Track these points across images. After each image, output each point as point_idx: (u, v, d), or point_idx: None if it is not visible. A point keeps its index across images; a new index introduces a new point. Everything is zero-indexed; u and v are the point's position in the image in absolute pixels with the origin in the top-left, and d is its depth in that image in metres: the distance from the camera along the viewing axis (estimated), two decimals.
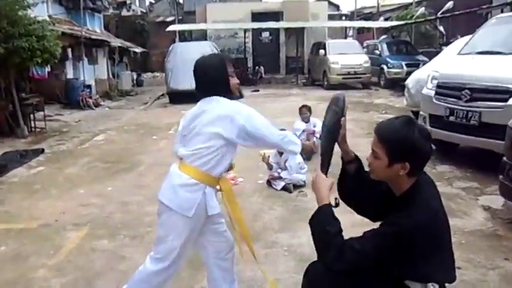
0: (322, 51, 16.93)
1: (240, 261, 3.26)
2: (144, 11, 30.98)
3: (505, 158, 3.59)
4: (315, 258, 1.90)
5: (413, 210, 1.68)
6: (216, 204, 2.28)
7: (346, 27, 25.53)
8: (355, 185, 1.99)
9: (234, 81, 2.36)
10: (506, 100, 4.67)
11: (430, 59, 10.71)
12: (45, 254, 3.57)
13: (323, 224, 1.85)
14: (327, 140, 2.03)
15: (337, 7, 33.34)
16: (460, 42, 7.98)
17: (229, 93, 2.32)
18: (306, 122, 6.26)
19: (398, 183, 1.78)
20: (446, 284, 1.84)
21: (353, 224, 2.38)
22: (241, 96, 2.46)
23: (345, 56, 16.20)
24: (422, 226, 1.64)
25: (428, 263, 1.71)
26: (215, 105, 2.26)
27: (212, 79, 2.30)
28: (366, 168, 1.93)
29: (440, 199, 1.84)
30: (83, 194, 5.13)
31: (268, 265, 3.20)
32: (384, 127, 1.78)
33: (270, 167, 5.05)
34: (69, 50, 13.24)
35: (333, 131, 1.99)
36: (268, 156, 5.18)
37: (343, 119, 1.96)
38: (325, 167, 2.00)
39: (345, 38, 24.32)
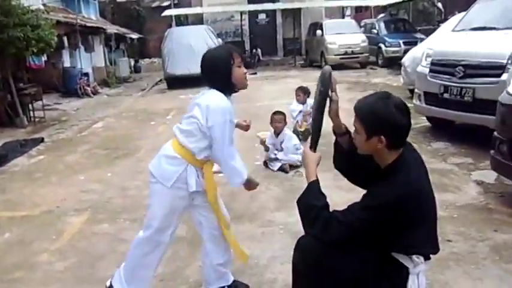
0: (319, 32, 16.83)
1: (237, 240, 3.37)
2: None
3: (496, 133, 3.65)
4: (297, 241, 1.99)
5: (393, 183, 1.75)
6: (194, 182, 2.37)
7: (343, 7, 25.25)
8: (348, 157, 2.06)
9: (240, 71, 2.39)
10: (499, 75, 4.69)
11: (428, 36, 10.67)
12: (48, 239, 3.66)
13: (310, 198, 1.94)
14: (314, 118, 2.10)
15: None
16: (456, 19, 7.95)
17: (228, 86, 2.38)
18: (303, 104, 6.29)
19: (381, 157, 1.84)
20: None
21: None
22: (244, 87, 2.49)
23: (342, 36, 16.12)
24: (401, 198, 1.70)
25: (411, 235, 1.77)
26: (206, 96, 2.37)
27: (210, 72, 2.38)
28: None
29: (426, 174, 1.88)
30: (83, 180, 5.22)
31: (265, 243, 3.30)
32: (361, 103, 1.85)
33: (267, 149, 5.11)
34: (65, 39, 13.17)
35: (319, 109, 2.04)
36: (265, 138, 5.24)
37: (333, 94, 2.01)
38: (313, 143, 2.07)
39: (343, 17, 24.09)
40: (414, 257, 1.80)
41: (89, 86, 13.60)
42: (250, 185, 2.54)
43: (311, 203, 1.92)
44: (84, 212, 4.18)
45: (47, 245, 3.56)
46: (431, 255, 1.91)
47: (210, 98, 2.33)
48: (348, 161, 2.09)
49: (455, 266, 2.77)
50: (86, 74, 14.11)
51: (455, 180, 4.27)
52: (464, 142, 5.38)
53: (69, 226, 3.92)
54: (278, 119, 5.09)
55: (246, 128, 2.93)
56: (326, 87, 2.01)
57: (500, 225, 3.29)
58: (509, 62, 4.61)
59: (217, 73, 2.35)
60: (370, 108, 1.79)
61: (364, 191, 1.89)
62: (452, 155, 5.07)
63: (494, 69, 4.78)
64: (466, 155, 5.02)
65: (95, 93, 13.75)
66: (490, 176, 4.23)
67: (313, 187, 1.96)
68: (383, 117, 1.75)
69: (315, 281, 1.93)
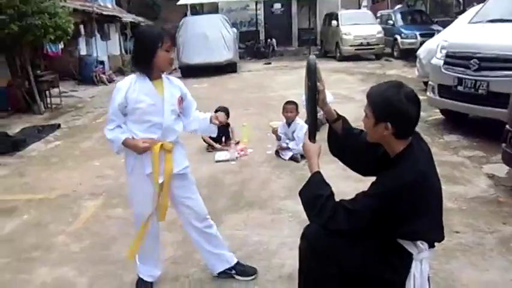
0: (334, 22, 16.68)
1: (247, 226, 3.45)
2: None
3: (507, 126, 3.64)
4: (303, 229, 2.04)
5: (400, 171, 1.78)
6: (147, 163, 2.43)
7: None
8: (344, 142, 2.11)
9: (167, 56, 2.41)
10: None
11: (445, 28, 10.53)
12: (64, 222, 3.79)
13: (315, 189, 1.98)
14: (307, 110, 2.16)
15: None
16: (473, 11, 7.84)
17: (148, 68, 2.40)
18: None
19: (388, 145, 1.87)
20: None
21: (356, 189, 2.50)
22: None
23: (358, 26, 15.95)
24: (407, 185, 1.74)
25: (416, 222, 1.80)
26: None
27: (134, 53, 2.48)
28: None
29: (432, 164, 1.90)
30: (98, 166, 5.34)
31: (274, 230, 3.36)
32: (373, 89, 1.89)
33: (279, 138, 5.16)
34: (82, 27, 13.32)
35: (310, 102, 2.08)
36: (277, 127, 5.29)
37: (318, 84, 2.04)
38: (312, 135, 2.11)
39: (359, 8, 23.82)
40: (419, 242, 1.84)
41: (104, 73, 13.76)
42: (132, 148, 2.43)
43: (317, 192, 1.96)
44: (99, 197, 4.30)
45: (63, 227, 3.69)
46: (436, 245, 1.95)
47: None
48: (344, 147, 2.13)
49: (461, 257, 2.80)
50: (102, 62, 14.26)
51: (465, 173, 4.27)
52: (477, 135, 5.35)
53: (85, 210, 4.04)
54: (290, 109, 5.13)
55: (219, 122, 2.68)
56: (313, 80, 2.04)
57: (509, 218, 3.30)
58: None
59: (141, 54, 2.40)
60: (380, 94, 1.83)
61: (367, 179, 1.93)
62: (464, 148, 5.05)
63: (509, 63, 4.73)
64: (478, 148, 5.00)
65: (111, 81, 13.90)
66: (501, 169, 4.22)
67: (317, 177, 2.01)
68: (391, 104, 1.78)
69: (321, 269, 1.97)
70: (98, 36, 15.04)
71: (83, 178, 4.89)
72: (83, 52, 14.41)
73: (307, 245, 2.03)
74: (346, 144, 2.11)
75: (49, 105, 9.44)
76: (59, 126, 7.65)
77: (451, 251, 2.81)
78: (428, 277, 1.94)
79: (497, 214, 3.38)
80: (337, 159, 2.21)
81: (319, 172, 2.00)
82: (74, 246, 3.35)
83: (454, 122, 5.92)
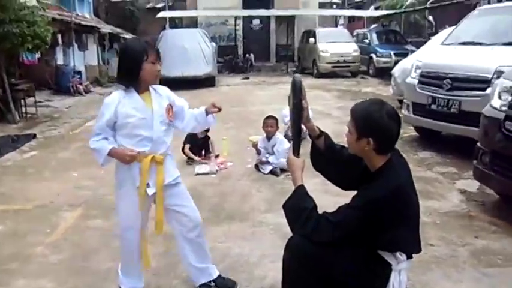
0: (312, 40, 17.05)
1: (228, 239, 3.49)
2: None
3: (478, 144, 3.82)
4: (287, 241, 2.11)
5: (380, 185, 1.88)
6: (137, 176, 2.45)
7: (336, 16, 25.61)
8: (326, 157, 2.20)
9: (153, 68, 2.41)
10: (484, 89, 4.88)
11: (419, 48, 10.91)
12: (42, 233, 3.72)
13: (299, 202, 2.06)
14: (292, 126, 2.25)
15: None
16: (445, 33, 8.18)
17: (135, 82, 2.41)
18: None
19: (369, 159, 1.97)
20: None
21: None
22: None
23: (335, 44, 16.35)
24: (387, 197, 1.83)
25: (395, 234, 1.90)
26: None
27: (119, 67, 2.44)
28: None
29: (410, 179, 2.01)
30: (76, 176, 5.28)
31: (255, 242, 3.41)
32: (357, 106, 2.00)
33: (259, 152, 5.23)
34: (59, 36, 13.17)
35: (295, 118, 2.18)
36: (257, 141, 5.37)
37: (303, 101, 2.13)
38: (296, 149, 2.20)
39: (335, 26, 24.44)
40: (398, 253, 1.93)
41: (81, 84, 13.60)
42: (119, 157, 2.44)
43: (301, 205, 2.04)
44: (78, 208, 4.26)
45: (42, 238, 3.63)
46: (413, 257, 2.04)
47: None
48: (326, 162, 2.23)
49: (436, 269, 2.91)
50: (79, 72, 14.10)
51: (439, 189, 4.44)
52: (450, 152, 5.56)
53: (63, 221, 3.98)
54: (270, 123, 5.22)
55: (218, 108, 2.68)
56: (298, 98, 2.13)
57: (480, 231, 3.46)
58: (494, 76, 4.79)
59: (127, 68, 2.38)
60: (363, 111, 1.93)
61: (344, 193, 2.01)
62: (438, 164, 5.25)
63: (480, 83, 4.97)
64: (450, 164, 5.20)
65: (87, 91, 13.75)
66: (472, 185, 4.41)
67: (301, 191, 2.08)
68: (374, 120, 1.88)
69: (304, 279, 2.03)
70: (76, 46, 14.91)
71: (60, 189, 4.82)
72: (60, 62, 14.23)
73: (290, 256, 2.09)
74: (329, 160, 2.20)
75: (24, 115, 9.26)
76: (34, 136, 7.52)
77: (426, 263, 2.92)
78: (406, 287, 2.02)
79: (469, 228, 3.53)
80: (319, 173, 2.29)
81: (302, 186, 2.08)
82: (53, 257, 3.31)
83: (427, 139, 6.13)
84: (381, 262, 1.96)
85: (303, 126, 2.22)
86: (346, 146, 2.10)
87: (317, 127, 2.23)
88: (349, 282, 1.99)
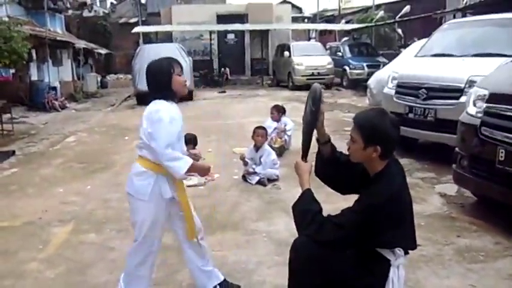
0: (286, 53, 17.38)
1: (223, 247, 3.56)
2: (107, 11, 30.53)
3: (457, 149, 4.04)
4: (292, 242, 2.21)
5: (380, 189, 2.03)
6: (167, 189, 2.55)
7: (309, 30, 26.16)
8: (329, 164, 2.33)
9: (180, 79, 2.61)
10: (458, 98, 5.15)
11: (390, 60, 11.33)
12: (34, 249, 3.70)
13: (306, 205, 2.19)
14: (305, 131, 2.36)
15: (300, 10, 34.10)
16: (416, 45, 8.56)
17: (171, 93, 2.58)
18: (277, 121, 6.60)
19: (372, 165, 2.12)
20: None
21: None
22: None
23: (309, 57, 16.72)
24: (387, 200, 1.98)
25: (393, 232, 2.04)
26: (149, 106, 2.59)
27: (154, 82, 2.60)
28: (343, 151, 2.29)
29: (405, 180, 2.18)
30: (62, 192, 5.24)
31: (250, 249, 3.50)
32: (361, 116, 2.13)
33: (245, 163, 5.33)
34: (34, 52, 13.00)
35: (310, 123, 2.30)
36: (243, 153, 5.48)
37: (322, 105, 2.27)
38: (304, 154, 2.33)
39: (308, 40, 24.95)
40: (396, 249, 2.07)
41: (56, 100, 13.43)
42: (199, 172, 2.66)
43: (307, 208, 2.17)
44: (68, 223, 4.24)
45: (34, 254, 3.61)
46: (403, 258, 2.18)
47: (150, 106, 2.56)
48: (328, 168, 2.35)
49: (425, 267, 3.08)
50: (54, 88, 13.92)
51: (420, 193, 4.64)
52: (427, 159, 5.81)
53: (55, 236, 3.97)
54: (261, 133, 5.36)
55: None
56: (318, 105, 2.26)
57: (462, 231, 3.66)
58: (467, 86, 5.07)
59: (160, 82, 2.56)
60: (370, 121, 2.07)
61: (333, 201, 2.13)
62: (417, 170, 5.48)
63: (453, 92, 5.25)
64: (429, 170, 5.44)
65: (63, 107, 13.58)
66: (451, 188, 4.64)
67: (308, 194, 2.22)
68: (381, 129, 2.03)
69: (307, 276, 2.15)
70: (50, 61, 14.72)
71: (47, 205, 4.78)
72: (34, 77, 14.02)
73: (295, 256, 2.20)
74: (330, 165, 2.33)
75: (0, 132, 9.09)
76: (13, 153, 7.40)
77: (415, 262, 3.08)
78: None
79: (452, 228, 3.73)
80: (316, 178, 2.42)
81: (309, 189, 2.21)
82: (49, 272, 3.30)
83: (405, 146, 6.37)
84: (380, 259, 2.10)
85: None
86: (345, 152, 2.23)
87: (327, 134, 2.35)
88: (351, 280, 2.11)
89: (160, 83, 2.57)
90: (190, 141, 5.42)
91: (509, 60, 4.41)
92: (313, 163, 2.37)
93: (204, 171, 2.68)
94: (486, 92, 3.82)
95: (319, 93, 2.29)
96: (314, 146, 2.34)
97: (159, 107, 2.52)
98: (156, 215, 2.58)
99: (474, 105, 3.95)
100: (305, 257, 2.12)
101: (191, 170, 2.50)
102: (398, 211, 2.05)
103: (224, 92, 17.03)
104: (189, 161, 2.49)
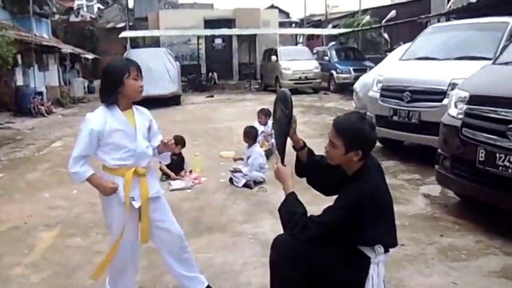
0: (274, 58, 17.47)
1: (210, 249, 3.58)
2: (94, 16, 30.44)
3: (439, 150, 4.12)
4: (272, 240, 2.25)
5: (359, 185, 2.09)
6: (123, 193, 2.50)
7: (296, 34, 26.33)
8: (308, 167, 2.41)
9: (136, 84, 2.47)
10: (441, 100, 5.24)
11: (376, 64, 11.45)
12: (19, 253, 3.68)
13: (291, 207, 2.24)
14: (280, 136, 2.41)
15: (287, 14, 34.30)
16: (401, 49, 8.68)
17: (118, 98, 2.47)
18: (264, 125, 6.64)
19: (351, 166, 2.17)
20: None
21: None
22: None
23: (296, 62, 16.82)
24: (366, 196, 2.04)
25: (374, 229, 2.10)
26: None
27: (103, 82, 2.52)
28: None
29: (383, 177, 2.24)
30: (48, 197, 5.21)
31: (237, 251, 3.52)
32: (342, 121, 2.17)
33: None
34: (19, 57, 12.90)
35: (282, 129, 2.35)
36: (234, 156, 5.54)
37: (293, 114, 2.32)
38: (282, 159, 2.37)
39: (295, 44, 25.11)
40: (376, 246, 2.12)
41: (43, 105, 13.32)
42: (100, 188, 2.52)
43: (292, 210, 2.22)
44: (55, 227, 4.22)
45: (19, 258, 3.58)
46: (388, 256, 2.23)
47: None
48: (309, 172, 2.43)
49: (408, 266, 3.13)
50: (40, 93, 13.82)
51: (405, 194, 4.72)
52: (412, 160, 5.90)
53: (40, 241, 3.95)
54: (245, 133, 5.46)
55: (170, 148, 2.73)
56: (290, 109, 2.30)
57: (445, 231, 3.73)
58: (449, 88, 5.17)
59: (108, 84, 2.45)
60: (352, 127, 2.11)
61: (317, 203, 2.18)
62: (402, 172, 5.56)
63: (436, 95, 5.34)
64: (413, 171, 5.52)
65: (49, 112, 13.47)
66: (435, 189, 4.72)
67: (292, 197, 2.26)
68: (362, 135, 2.10)
69: (291, 275, 2.17)
70: (36, 66, 14.61)
71: (33, 210, 4.75)
72: (20, 82, 13.89)
73: (277, 253, 2.23)
74: (311, 169, 2.40)
75: None
76: None
77: (399, 261, 3.14)
78: (384, 281, 2.21)
79: (435, 228, 3.80)
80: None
81: (293, 192, 2.26)
82: (34, 277, 3.28)
83: (390, 149, 6.47)
84: (361, 256, 2.14)
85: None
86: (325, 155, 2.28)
87: (301, 140, 2.41)
88: (332, 276, 2.15)
89: (109, 85, 2.46)
90: (178, 142, 5.43)
91: (489, 63, 4.52)
92: (293, 165, 2.42)
93: (103, 190, 2.50)
94: (467, 94, 3.90)
95: (290, 99, 2.32)
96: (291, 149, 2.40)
97: (89, 115, 2.46)
98: (117, 218, 2.56)
99: (455, 106, 4.03)
100: (285, 252, 2.17)
101: (92, 184, 2.49)
102: (378, 206, 2.11)
103: (212, 96, 17.05)
104: (85, 176, 2.45)
